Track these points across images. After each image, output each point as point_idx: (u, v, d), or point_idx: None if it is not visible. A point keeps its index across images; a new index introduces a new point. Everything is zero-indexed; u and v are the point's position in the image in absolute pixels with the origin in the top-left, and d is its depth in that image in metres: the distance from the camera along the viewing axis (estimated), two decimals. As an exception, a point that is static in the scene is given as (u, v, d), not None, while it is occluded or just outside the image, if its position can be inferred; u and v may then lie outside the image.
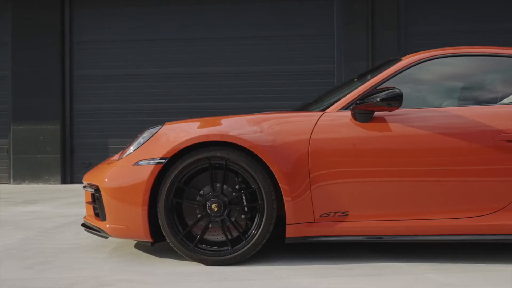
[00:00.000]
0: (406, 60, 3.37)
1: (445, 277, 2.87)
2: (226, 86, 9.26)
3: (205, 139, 3.13)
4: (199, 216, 3.19)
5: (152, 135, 3.28)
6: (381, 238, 3.16)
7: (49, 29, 9.36)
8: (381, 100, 3.05)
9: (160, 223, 3.17)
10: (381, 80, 3.30)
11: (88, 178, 3.53)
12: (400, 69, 3.33)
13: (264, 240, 3.15)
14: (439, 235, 3.15)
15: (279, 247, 3.54)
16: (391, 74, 3.32)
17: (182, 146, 3.15)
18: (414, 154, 3.13)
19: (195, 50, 9.36)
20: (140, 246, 3.69)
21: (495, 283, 2.77)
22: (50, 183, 9.10)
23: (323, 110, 3.29)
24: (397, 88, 3.06)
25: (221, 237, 3.19)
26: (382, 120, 3.16)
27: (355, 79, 3.84)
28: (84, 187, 3.57)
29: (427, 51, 3.42)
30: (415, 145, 3.13)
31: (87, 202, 3.58)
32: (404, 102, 3.25)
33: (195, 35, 9.40)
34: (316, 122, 3.19)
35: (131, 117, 9.34)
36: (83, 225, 3.57)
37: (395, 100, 3.04)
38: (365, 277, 2.90)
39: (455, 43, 8.52)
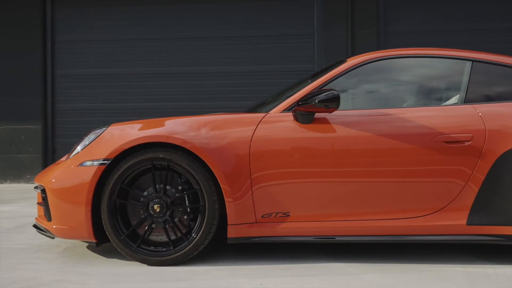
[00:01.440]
0: (350, 62, 3.39)
1: (381, 278, 2.89)
2: (208, 86, 9.28)
3: (147, 140, 3.15)
4: (142, 216, 3.22)
5: (97, 136, 3.30)
6: (322, 238, 3.18)
7: (31, 29, 9.38)
8: (319, 101, 3.07)
9: (103, 224, 3.20)
10: (325, 82, 3.33)
11: (37, 179, 3.56)
12: (343, 70, 3.35)
13: (206, 241, 3.17)
14: (379, 235, 3.17)
15: (227, 247, 3.56)
16: (335, 75, 3.34)
17: (125, 147, 3.17)
18: (354, 155, 3.15)
19: (177, 50, 9.37)
20: (91, 247, 3.72)
21: (430, 283, 2.79)
22: (32, 183, 9.12)
23: (268, 111, 3.31)
24: (334, 90, 3.08)
25: (165, 238, 3.22)
26: (323, 121, 3.19)
27: (309, 80, 3.85)
28: (35, 187, 3.60)
29: (372, 52, 3.45)
30: (355, 146, 3.15)
31: (38, 203, 3.61)
32: (347, 103, 3.28)
33: (178, 34, 9.41)
34: (258, 123, 3.21)
35: (113, 117, 9.35)
36: (35, 226, 3.59)
37: (332, 101, 3.06)
38: (302, 277, 2.92)
39: (434, 42, 8.57)
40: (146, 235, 3.23)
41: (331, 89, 3.09)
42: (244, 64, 9.21)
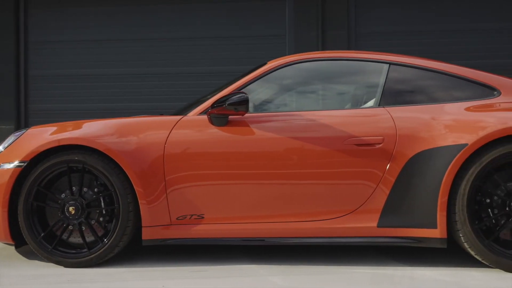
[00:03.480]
0: (270, 64, 3.41)
1: (284, 280, 2.91)
2: (179, 86, 9.28)
3: (61, 143, 3.17)
4: (58, 218, 3.24)
5: (16, 138, 3.33)
6: (236, 240, 3.20)
7: (4, 29, 9.38)
8: (229, 104, 3.09)
9: (20, 225, 3.22)
10: (243, 84, 3.35)
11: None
12: (262, 73, 3.37)
13: (121, 243, 3.19)
14: (295, 237, 3.18)
15: (152, 249, 3.58)
16: (253, 78, 3.37)
17: (41, 150, 3.19)
18: (267, 157, 3.16)
19: (150, 50, 9.35)
20: (24, 249, 3.72)
21: (332, 285, 2.80)
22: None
23: (186, 114, 3.33)
24: (244, 93, 3.10)
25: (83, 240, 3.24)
26: (237, 124, 3.21)
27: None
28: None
29: (292, 55, 3.47)
30: (268, 149, 3.16)
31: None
32: (264, 105, 3.30)
33: (150, 35, 9.39)
34: (174, 126, 3.23)
35: (87, 117, 9.30)
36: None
37: (241, 104, 3.08)
38: (209, 279, 2.94)
39: (405, 43, 8.56)
40: (66, 238, 3.25)
41: (241, 92, 3.11)
42: (214, 64, 9.20)
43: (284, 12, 9.10)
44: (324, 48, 8.93)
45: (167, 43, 9.28)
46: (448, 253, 3.32)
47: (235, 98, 3.09)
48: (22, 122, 9.43)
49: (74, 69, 9.47)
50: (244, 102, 3.07)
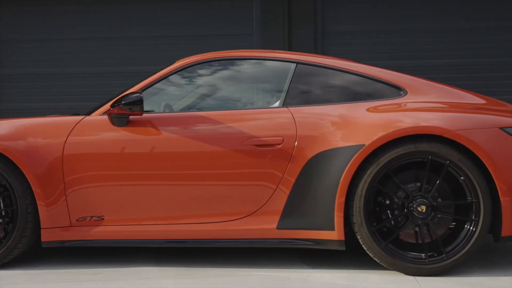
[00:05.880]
0: (176, 64, 3.37)
1: (175, 283, 2.86)
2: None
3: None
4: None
5: None
6: (135, 242, 3.16)
7: (-27, 29, 9.36)
8: (124, 104, 3.05)
9: None
10: (149, 83, 3.31)
11: None
12: (169, 72, 3.33)
13: (20, 245, 3.14)
14: (194, 239, 3.14)
15: (57, 251, 3.54)
16: (160, 77, 3.32)
17: None
18: (166, 158, 3.12)
19: (120, 49, 9.31)
20: None
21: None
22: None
23: (89, 114, 3.29)
24: (139, 93, 3.06)
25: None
26: (137, 124, 3.16)
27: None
28: None
29: (200, 54, 3.42)
30: (167, 149, 3.12)
31: None
32: (167, 105, 3.27)
33: (120, 34, 9.35)
34: (74, 126, 3.19)
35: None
36: None
37: (136, 104, 3.03)
38: (101, 282, 2.90)
39: (373, 42, 8.53)
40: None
41: (137, 92, 3.07)
42: (181, 64, 9.15)
43: (251, 11, 9.06)
44: (290, 47, 8.89)
45: (134, 42, 9.24)
46: (358, 255, 3.25)
47: (129, 98, 3.04)
48: (-10, 122, 9.39)
49: (46, 68, 9.43)
50: (139, 102, 3.02)
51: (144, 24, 9.25)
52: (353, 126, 3.04)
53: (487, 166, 2.88)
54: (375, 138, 2.92)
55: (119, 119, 3.14)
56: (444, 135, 2.89)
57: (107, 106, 3.25)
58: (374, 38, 8.70)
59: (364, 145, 2.93)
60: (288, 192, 3.06)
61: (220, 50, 9.23)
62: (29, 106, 9.41)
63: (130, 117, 3.15)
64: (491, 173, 2.88)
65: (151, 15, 9.24)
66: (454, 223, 3.06)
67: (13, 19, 9.47)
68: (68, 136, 3.16)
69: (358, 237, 2.95)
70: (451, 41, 8.22)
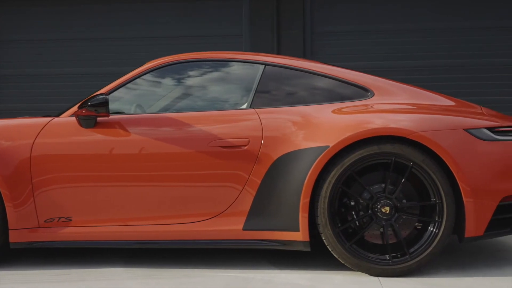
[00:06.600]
0: (146, 65, 3.39)
1: (140, 283, 2.88)
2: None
3: None
4: None
5: None
6: (102, 243, 3.17)
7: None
8: (90, 106, 3.06)
9: None
10: (118, 85, 3.32)
11: None
12: (139, 73, 3.35)
13: (-14, 245, 3.16)
14: (162, 240, 3.15)
15: (27, 252, 3.56)
16: (130, 78, 3.34)
17: None
18: (133, 159, 3.13)
19: (111, 50, 9.31)
20: None
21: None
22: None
23: (58, 115, 3.30)
24: (104, 95, 3.07)
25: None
26: (104, 125, 3.17)
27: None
28: None
29: (171, 56, 3.43)
30: (134, 151, 3.13)
31: None
32: (136, 106, 3.28)
33: (110, 34, 9.35)
34: (42, 128, 3.20)
35: (47, 117, 9.32)
36: None
37: (101, 106, 3.05)
38: (67, 283, 2.92)
39: (361, 43, 8.54)
40: None
41: (103, 94, 3.08)
42: (170, 64, 9.17)
43: (241, 11, 9.07)
44: (279, 48, 8.90)
45: (123, 42, 9.24)
46: (324, 256, 3.24)
47: (95, 99, 3.06)
48: (-20, 122, 9.40)
49: (43, 68, 9.44)
50: (104, 103, 3.04)
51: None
52: (318, 127, 3.05)
53: (450, 167, 2.89)
54: (339, 139, 2.93)
55: (86, 121, 3.16)
56: (407, 137, 2.90)
57: (75, 107, 3.26)
58: (364, 39, 8.71)
59: (328, 146, 2.94)
60: (254, 193, 3.07)
61: (209, 50, 9.23)
62: (27, 107, 9.41)
63: (98, 118, 3.16)
64: (454, 175, 2.89)
65: (140, 16, 9.24)
66: (420, 224, 3.07)
67: (10, 19, 9.49)
68: (36, 137, 3.18)
69: (323, 238, 2.96)
70: (439, 41, 8.22)
